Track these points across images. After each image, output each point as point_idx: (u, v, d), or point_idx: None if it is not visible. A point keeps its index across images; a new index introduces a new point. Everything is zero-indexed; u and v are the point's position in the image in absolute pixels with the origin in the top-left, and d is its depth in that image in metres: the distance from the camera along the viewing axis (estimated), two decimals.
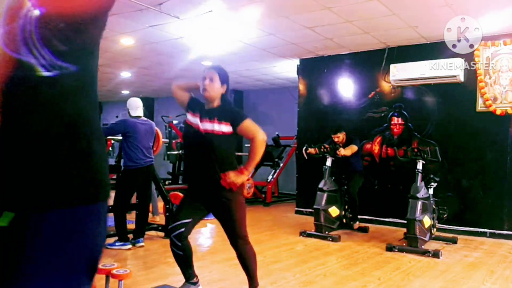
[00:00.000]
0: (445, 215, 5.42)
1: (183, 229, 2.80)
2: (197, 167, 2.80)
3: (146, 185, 4.82)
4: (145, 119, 4.76)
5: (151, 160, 4.72)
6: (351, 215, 5.87)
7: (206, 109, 2.83)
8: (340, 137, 5.74)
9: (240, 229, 2.80)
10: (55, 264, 0.83)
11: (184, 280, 2.97)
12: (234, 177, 2.66)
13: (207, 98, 2.83)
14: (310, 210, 6.13)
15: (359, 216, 5.90)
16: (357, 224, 5.85)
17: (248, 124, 2.75)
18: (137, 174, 4.60)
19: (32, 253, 0.81)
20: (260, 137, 2.71)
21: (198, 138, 2.76)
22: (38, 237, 0.82)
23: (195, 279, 2.97)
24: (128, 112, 4.70)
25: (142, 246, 4.67)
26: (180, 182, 9.87)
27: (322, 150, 5.68)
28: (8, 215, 0.80)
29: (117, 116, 14.81)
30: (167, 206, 5.15)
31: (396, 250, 4.71)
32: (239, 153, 9.50)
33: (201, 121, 2.78)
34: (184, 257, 2.88)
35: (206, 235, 5.87)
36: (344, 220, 5.81)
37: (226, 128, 2.74)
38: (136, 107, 4.69)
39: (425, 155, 5.01)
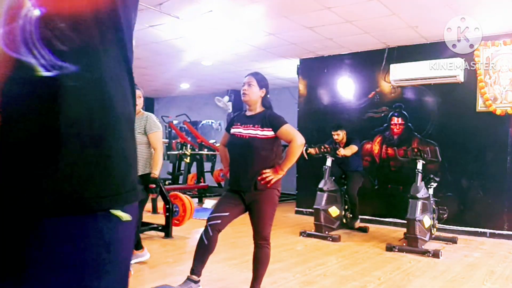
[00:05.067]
0: (445, 215, 5.42)
1: (219, 221, 2.96)
2: (240, 167, 2.97)
3: None
4: None
5: None
6: (351, 215, 5.87)
7: (247, 116, 3.03)
8: (340, 135, 5.75)
9: (267, 229, 2.93)
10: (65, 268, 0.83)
11: (183, 279, 2.98)
12: (269, 174, 2.86)
13: (246, 102, 3.02)
14: (310, 210, 6.13)
15: (359, 216, 5.91)
16: (357, 223, 5.85)
17: (287, 128, 2.89)
18: None
19: (40, 256, 0.82)
20: (298, 141, 2.87)
21: (242, 142, 2.96)
22: (51, 241, 0.81)
23: (197, 277, 3.01)
24: None
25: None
26: (180, 182, 9.87)
27: (322, 150, 5.68)
28: None
29: None
30: (167, 206, 5.14)
31: (396, 250, 4.71)
32: None
33: (244, 127, 2.98)
34: (206, 248, 2.99)
35: None
36: (344, 220, 5.81)
37: (268, 133, 2.91)
38: None
39: (425, 155, 5.01)
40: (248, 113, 3.04)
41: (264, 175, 2.86)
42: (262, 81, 3.01)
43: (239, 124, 3.04)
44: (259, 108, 3.01)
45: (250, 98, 2.98)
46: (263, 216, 2.92)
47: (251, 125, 2.94)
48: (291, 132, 2.90)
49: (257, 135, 2.91)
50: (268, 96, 3.08)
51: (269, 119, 2.93)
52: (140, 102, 3.85)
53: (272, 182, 2.87)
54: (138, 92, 3.71)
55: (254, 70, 3.23)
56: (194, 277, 3.00)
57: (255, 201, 2.92)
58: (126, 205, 0.87)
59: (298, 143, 2.87)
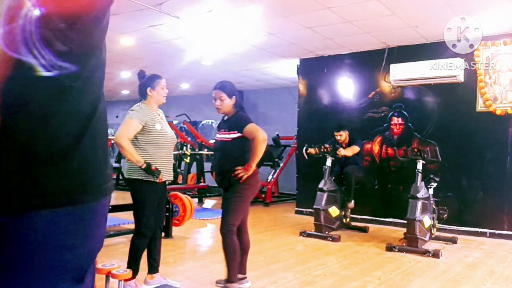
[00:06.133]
0: (445, 215, 5.41)
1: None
2: (217, 167, 3.31)
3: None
4: None
5: None
6: (346, 197, 5.72)
7: (224, 121, 3.33)
8: (343, 135, 5.73)
9: (228, 217, 3.17)
10: (31, 266, 0.84)
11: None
12: (240, 171, 3.11)
13: (223, 114, 3.35)
14: (310, 210, 6.13)
15: (359, 216, 5.89)
16: (351, 204, 5.66)
17: (249, 128, 3.12)
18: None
19: (12, 255, 0.82)
20: (260, 137, 3.08)
21: (217, 145, 3.33)
22: (19, 239, 0.82)
23: (240, 275, 3.36)
24: None
25: None
26: (180, 182, 9.86)
27: (322, 150, 5.67)
28: None
29: (117, 116, 14.86)
30: (167, 206, 5.14)
31: (396, 250, 4.71)
32: None
33: (220, 132, 3.32)
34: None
35: (206, 235, 5.87)
36: (344, 220, 5.80)
37: (234, 135, 3.19)
38: None
39: (425, 155, 5.01)
40: (225, 118, 3.33)
41: (236, 172, 3.12)
42: (230, 91, 3.25)
43: (218, 130, 3.38)
44: (232, 112, 3.29)
45: (224, 110, 3.27)
46: (228, 204, 3.19)
47: (223, 130, 3.27)
48: (254, 130, 3.10)
49: (226, 138, 3.22)
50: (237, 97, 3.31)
51: (235, 121, 3.19)
52: (165, 92, 3.49)
53: (244, 178, 3.11)
54: (164, 82, 3.48)
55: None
56: (240, 276, 3.37)
57: (226, 193, 3.24)
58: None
59: (260, 139, 3.06)
